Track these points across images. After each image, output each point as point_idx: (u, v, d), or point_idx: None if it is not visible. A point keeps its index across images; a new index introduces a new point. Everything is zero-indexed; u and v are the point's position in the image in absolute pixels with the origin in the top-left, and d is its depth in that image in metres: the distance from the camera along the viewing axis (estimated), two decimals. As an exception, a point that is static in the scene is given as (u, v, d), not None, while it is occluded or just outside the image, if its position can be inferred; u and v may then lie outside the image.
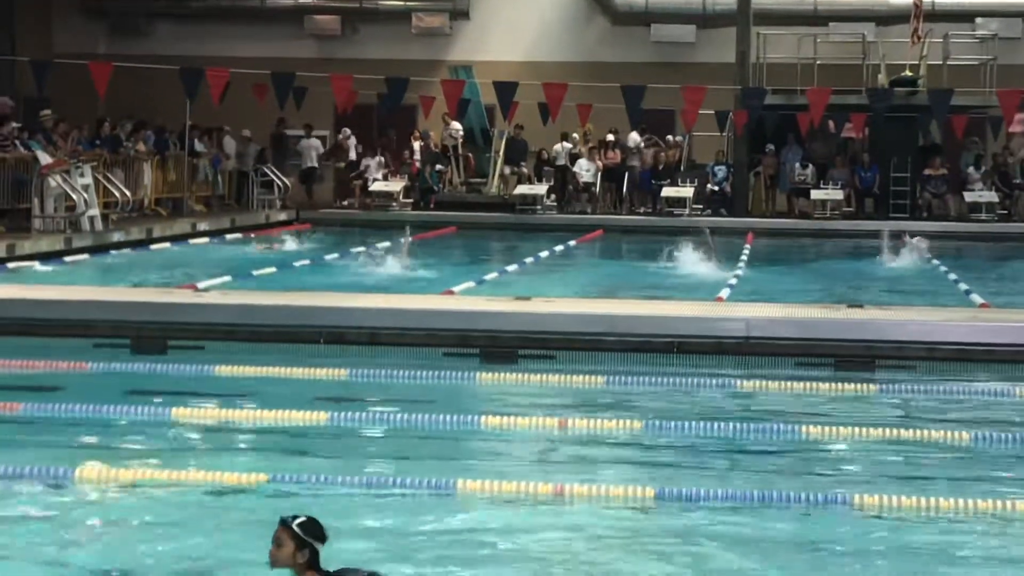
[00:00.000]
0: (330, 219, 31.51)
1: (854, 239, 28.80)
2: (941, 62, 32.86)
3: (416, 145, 34.01)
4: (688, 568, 7.40)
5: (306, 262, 22.25)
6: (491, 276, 20.07)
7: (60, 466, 8.85)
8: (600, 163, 33.28)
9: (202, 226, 27.86)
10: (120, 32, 37.45)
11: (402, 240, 22.42)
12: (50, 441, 9.89)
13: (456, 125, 34.01)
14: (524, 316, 13.57)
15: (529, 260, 23.34)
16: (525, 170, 33.63)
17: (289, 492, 8.55)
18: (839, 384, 12.13)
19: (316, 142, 33.75)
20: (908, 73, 32.42)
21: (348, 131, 34.13)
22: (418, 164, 33.65)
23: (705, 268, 21.62)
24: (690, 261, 22.24)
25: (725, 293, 17.70)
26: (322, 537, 6.32)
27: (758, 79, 32.42)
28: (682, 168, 33.85)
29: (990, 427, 10.76)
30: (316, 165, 33.73)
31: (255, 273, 19.69)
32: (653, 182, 33.13)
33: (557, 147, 33.50)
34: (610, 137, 33.46)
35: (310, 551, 6.28)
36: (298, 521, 6.32)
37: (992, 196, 32.00)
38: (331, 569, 6.32)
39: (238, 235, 27.94)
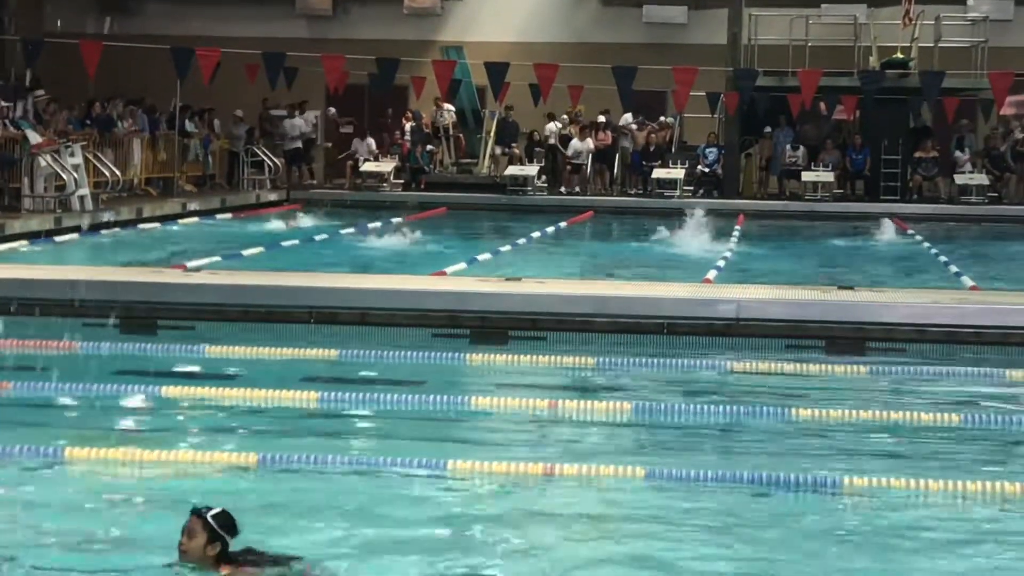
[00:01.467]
0: (320, 199, 31.43)
1: (844, 221, 28.82)
2: (932, 44, 32.82)
3: (407, 126, 33.93)
4: (678, 549, 7.40)
5: (295, 242, 22.23)
6: (482, 257, 20.05)
7: (49, 446, 8.83)
8: (592, 144, 33.22)
9: (192, 206, 27.79)
10: (111, 11, 37.30)
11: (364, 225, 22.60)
12: (39, 421, 9.87)
13: (447, 106, 33.95)
14: (514, 297, 13.56)
15: (520, 241, 23.31)
16: (516, 151, 33.59)
17: (279, 472, 8.54)
18: (829, 366, 12.14)
19: (299, 121, 33.60)
20: (899, 55, 32.37)
21: (333, 110, 34.13)
22: (409, 145, 33.58)
23: (695, 249, 21.60)
24: (681, 242, 22.23)
25: (712, 275, 17.69)
26: (234, 530, 6.17)
27: (749, 61, 32.36)
28: (673, 149, 33.84)
29: (979, 409, 10.78)
30: (300, 145, 33.62)
31: (245, 253, 19.67)
32: (644, 163, 33.10)
33: (550, 126, 33.43)
34: (601, 118, 33.41)
35: (221, 544, 6.13)
36: (212, 512, 6.15)
37: (983, 179, 32.04)
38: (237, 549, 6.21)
39: (228, 215, 27.88)
